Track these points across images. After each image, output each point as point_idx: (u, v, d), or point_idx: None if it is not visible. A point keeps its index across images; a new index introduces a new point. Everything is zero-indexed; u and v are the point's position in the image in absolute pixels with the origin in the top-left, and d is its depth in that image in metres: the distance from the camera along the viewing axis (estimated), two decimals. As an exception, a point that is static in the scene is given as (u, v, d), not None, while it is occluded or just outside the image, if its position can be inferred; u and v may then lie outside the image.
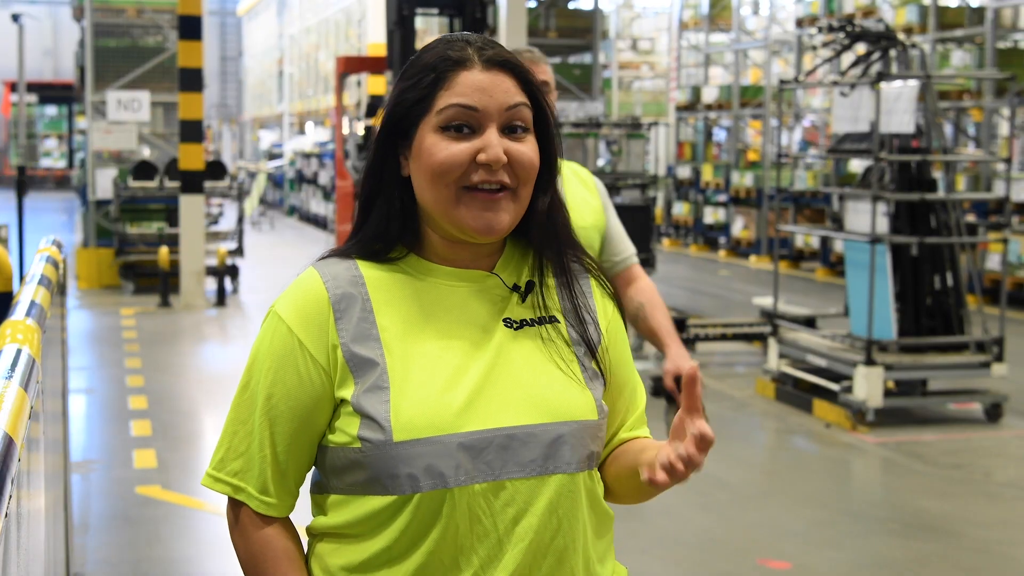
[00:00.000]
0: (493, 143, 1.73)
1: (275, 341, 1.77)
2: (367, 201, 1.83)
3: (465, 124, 1.74)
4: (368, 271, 1.79)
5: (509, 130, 1.76)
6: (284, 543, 1.79)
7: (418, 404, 1.71)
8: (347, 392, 1.73)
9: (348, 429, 1.73)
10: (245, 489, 1.78)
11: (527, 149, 1.76)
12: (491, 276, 1.82)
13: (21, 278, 4.53)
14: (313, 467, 1.82)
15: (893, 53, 8.97)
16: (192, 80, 13.35)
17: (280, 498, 1.79)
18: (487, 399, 1.73)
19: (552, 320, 1.83)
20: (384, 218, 1.80)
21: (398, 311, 1.77)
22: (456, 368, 1.74)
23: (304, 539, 1.84)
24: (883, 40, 8.94)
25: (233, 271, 14.24)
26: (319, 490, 1.81)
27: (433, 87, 1.75)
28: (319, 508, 1.81)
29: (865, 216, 8.43)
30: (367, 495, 1.72)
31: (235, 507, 1.80)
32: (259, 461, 1.77)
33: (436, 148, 1.74)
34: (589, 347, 1.84)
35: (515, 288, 1.83)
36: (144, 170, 14.94)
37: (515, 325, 1.80)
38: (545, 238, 1.84)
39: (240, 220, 15.27)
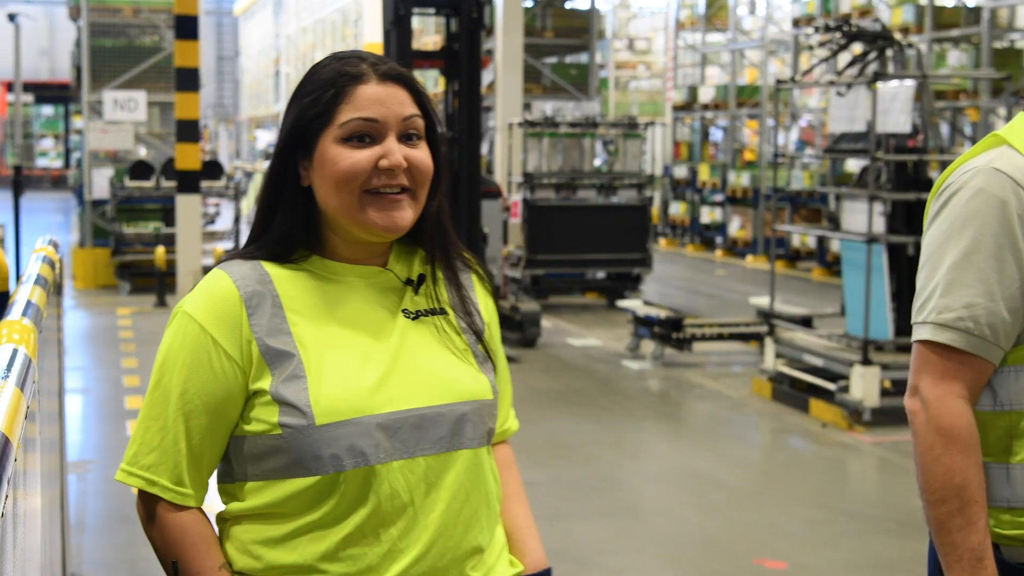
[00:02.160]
0: (393, 150, 1.89)
1: (187, 339, 1.87)
2: (267, 209, 1.95)
3: (367, 134, 1.89)
4: (274, 271, 1.92)
5: (405, 138, 1.92)
6: (200, 528, 1.89)
7: (336, 389, 1.84)
8: (264, 383, 1.85)
9: (267, 418, 1.84)
10: (159, 482, 1.87)
11: (423, 155, 1.93)
12: (386, 271, 1.97)
13: (17, 278, 4.52)
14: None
15: (889, 53, 8.98)
16: (189, 80, 13.34)
17: (195, 489, 1.89)
18: (397, 382, 1.89)
19: (443, 311, 2.00)
20: (287, 224, 1.93)
21: (306, 305, 1.90)
22: (365, 355, 1.89)
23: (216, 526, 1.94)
24: (879, 40, 8.95)
25: (230, 271, 14.20)
26: (229, 479, 1.91)
27: (333, 102, 1.89)
28: (231, 495, 1.91)
29: (862, 216, 8.43)
30: (289, 478, 1.84)
31: (147, 500, 1.89)
32: (173, 454, 1.87)
33: (339, 157, 1.88)
34: (477, 335, 2.01)
35: (408, 282, 1.99)
36: (140, 170, 14.93)
37: (412, 315, 1.96)
38: (436, 237, 2.01)
39: (237, 220, 15.26)
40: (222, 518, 1.92)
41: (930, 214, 2.17)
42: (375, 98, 1.89)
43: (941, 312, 2.09)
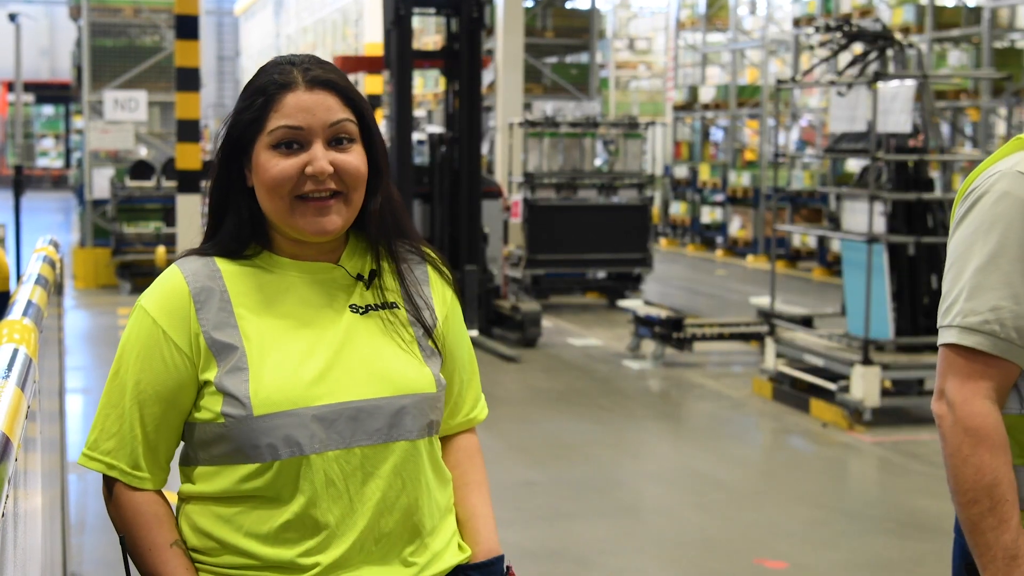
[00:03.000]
0: (318, 156, 1.95)
1: (141, 332, 1.98)
2: (216, 209, 2.04)
3: (294, 141, 1.96)
4: (225, 266, 2.01)
5: (336, 142, 1.98)
6: (154, 508, 1.99)
7: (275, 382, 1.93)
8: (210, 375, 1.95)
9: (212, 407, 1.94)
10: (117, 466, 1.98)
11: (352, 158, 1.98)
12: (337, 268, 2.05)
13: (18, 278, 4.52)
14: (181, 442, 2.03)
15: (890, 53, 8.98)
16: (189, 80, 13.34)
17: (152, 472, 2.00)
18: (336, 376, 1.96)
19: (392, 305, 2.07)
20: (235, 226, 2.01)
21: (254, 301, 1.99)
22: (307, 349, 1.97)
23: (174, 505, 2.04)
24: (880, 40, 8.95)
25: (230, 271, 14.21)
26: (186, 462, 2.02)
27: (263, 109, 1.97)
28: (187, 477, 2.02)
29: (862, 216, 8.43)
30: (232, 464, 1.94)
31: (109, 483, 2.00)
32: (130, 440, 1.98)
33: (268, 165, 1.96)
34: (425, 328, 2.08)
35: (359, 277, 2.05)
36: (141, 170, 14.93)
37: (360, 310, 2.04)
38: (380, 233, 2.07)
39: (237, 220, 15.24)
40: (180, 497, 2.02)
41: (956, 218, 2.18)
42: (301, 106, 1.96)
43: (967, 316, 2.09)
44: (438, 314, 2.12)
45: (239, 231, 2.02)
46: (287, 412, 1.92)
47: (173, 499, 2.06)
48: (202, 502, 1.99)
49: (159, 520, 2.00)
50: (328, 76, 2.00)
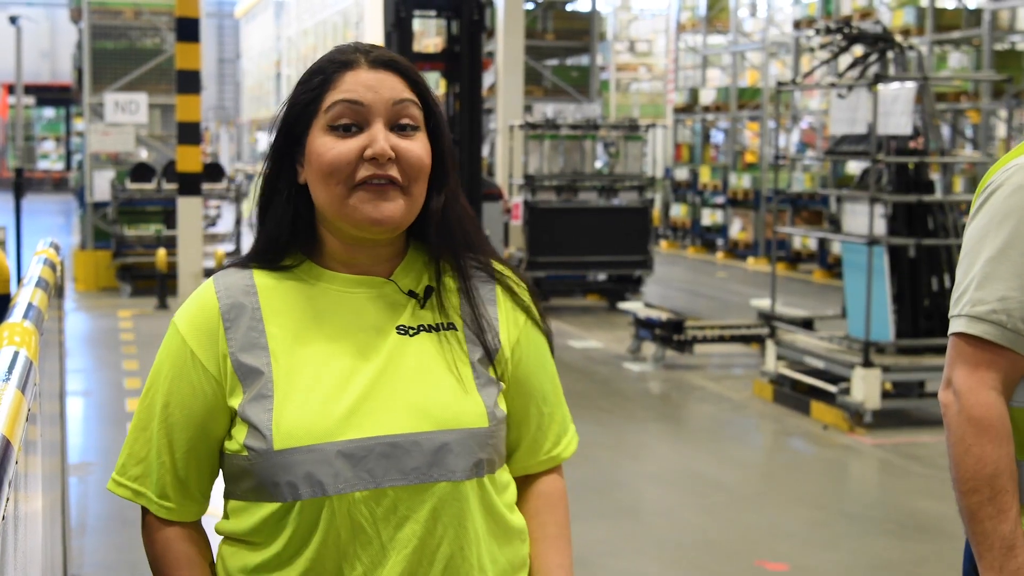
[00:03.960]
0: (378, 138, 1.75)
1: (171, 351, 1.81)
2: (262, 212, 1.85)
3: (353, 123, 1.77)
4: (262, 279, 1.82)
5: (399, 128, 1.78)
6: (184, 547, 1.82)
7: (299, 412, 1.73)
8: (236, 401, 1.77)
9: (238, 437, 1.76)
10: (145, 494, 1.82)
11: (415, 146, 1.78)
12: (388, 283, 1.83)
13: (19, 280, 4.53)
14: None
15: (890, 55, 8.98)
16: (190, 82, 13.34)
17: (180, 503, 1.82)
18: (371, 407, 1.75)
19: (450, 327, 1.83)
20: (275, 226, 1.82)
21: (288, 319, 1.79)
22: (342, 375, 1.76)
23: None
24: (880, 42, 8.95)
25: (231, 273, 14.21)
26: (224, 494, 1.84)
27: (321, 88, 1.78)
28: (224, 512, 1.83)
29: (863, 218, 8.43)
30: (258, 502, 1.76)
31: (144, 511, 1.85)
32: (157, 467, 1.81)
33: (324, 148, 1.76)
34: (485, 353, 1.83)
35: (411, 294, 1.83)
36: (142, 172, 14.94)
37: (410, 331, 1.81)
38: (440, 239, 1.85)
39: (238, 222, 15.27)
40: (218, 533, 1.84)
41: (972, 210, 2.20)
42: (363, 82, 1.77)
43: (975, 305, 2.11)
44: (504, 338, 1.86)
45: (279, 233, 1.82)
46: (309, 447, 1.71)
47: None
48: (235, 543, 1.79)
49: (189, 562, 1.82)
50: (394, 57, 1.81)
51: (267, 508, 1.74)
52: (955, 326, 2.15)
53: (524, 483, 1.91)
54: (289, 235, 1.82)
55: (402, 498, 1.73)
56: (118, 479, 1.84)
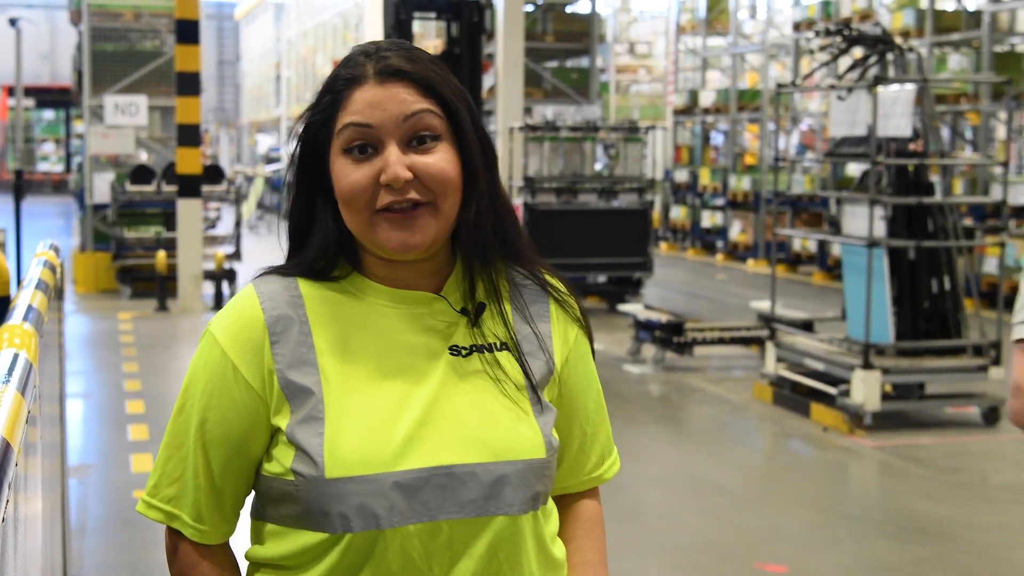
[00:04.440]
0: (391, 161, 1.63)
1: (210, 363, 1.69)
2: (298, 226, 1.75)
3: (366, 143, 1.65)
4: (308, 290, 1.70)
5: (418, 141, 1.66)
6: (218, 572, 1.72)
7: (354, 439, 1.62)
8: (283, 421, 1.65)
9: (283, 460, 1.65)
10: (179, 516, 1.70)
11: (436, 160, 1.65)
12: (438, 299, 1.72)
13: (19, 282, 4.53)
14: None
15: (890, 57, 8.98)
16: (189, 84, 13.35)
17: (214, 525, 1.71)
18: (427, 435, 1.64)
19: (502, 347, 1.73)
20: (323, 245, 1.71)
21: (338, 335, 1.68)
22: (397, 400, 1.65)
23: (243, 564, 1.78)
24: (880, 44, 8.95)
25: (231, 275, 14.23)
26: (256, 516, 1.73)
27: (332, 108, 1.68)
28: (256, 535, 1.73)
29: (863, 220, 8.43)
30: (301, 529, 1.65)
31: (172, 534, 1.73)
32: (193, 488, 1.69)
33: (342, 174, 1.66)
34: (539, 376, 1.74)
35: (463, 312, 1.72)
36: (142, 174, 14.94)
37: (463, 352, 1.71)
38: (475, 253, 1.73)
39: (238, 224, 15.27)
40: (247, 559, 1.74)
41: None
42: (369, 101, 1.65)
43: None
44: (558, 357, 1.77)
45: (327, 248, 1.70)
46: (364, 477, 1.60)
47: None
48: (271, 570, 1.69)
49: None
50: (401, 65, 1.67)
51: (311, 537, 1.64)
52: (1015, 333, 2.19)
53: (561, 504, 1.84)
54: (338, 246, 1.72)
55: (457, 532, 1.63)
56: (150, 500, 1.71)
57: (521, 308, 1.76)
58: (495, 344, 1.73)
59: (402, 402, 1.65)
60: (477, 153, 1.70)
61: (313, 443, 1.62)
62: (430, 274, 1.73)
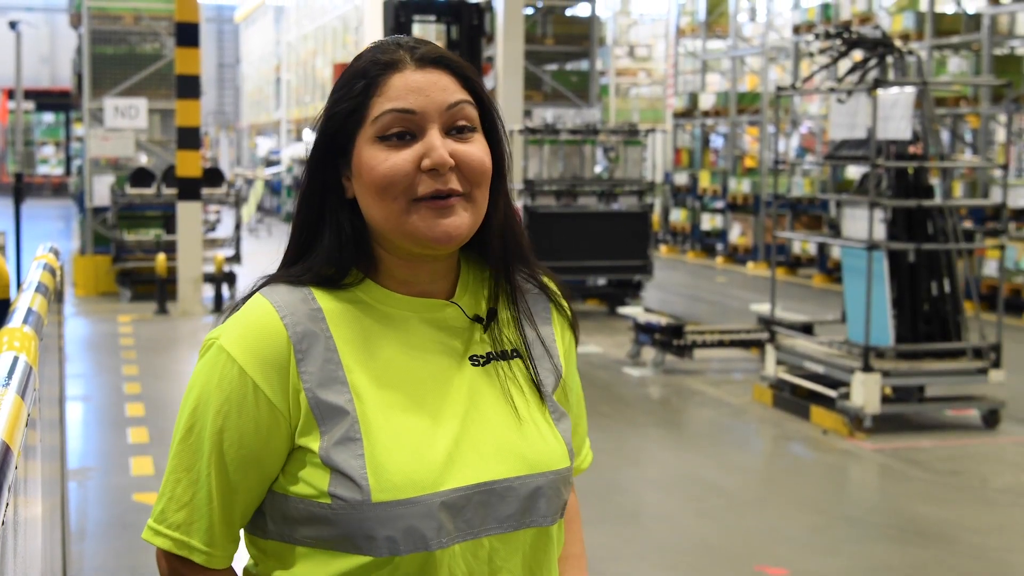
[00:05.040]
0: (436, 145, 1.59)
1: (224, 382, 1.59)
2: (305, 227, 1.67)
3: (405, 130, 1.60)
4: (326, 303, 1.63)
5: (456, 131, 1.62)
6: None
7: (397, 460, 1.57)
8: (312, 442, 1.58)
9: (315, 483, 1.58)
10: (189, 543, 1.62)
11: (476, 150, 1.62)
12: (450, 305, 1.67)
13: (18, 285, 4.52)
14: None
15: (890, 60, 8.98)
16: (189, 87, 13.35)
17: (224, 548, 1.64)
18: (465, 451, 1.61)
19: (514, 354, 1.70)
20: (336, 248, 1.64)
21: (363, 350, 1.62)
22: (431, 415, 1.61)
23: None
24: (880, 47, 8.95)
25: (231, 278, 14.24)
26: (262, 534, 1.66)
27: (365, 94, 1.61)
28: (263, 553, 1.66)
29: (862, 222, 8.43)
30: (340, 551, 1.58)
31: (171, 560, 1.64)
32: (206, 512, 1.61)
33: (376, 160, 1.59)
34: (550, 383, 1.72)
35: (477, 319, 1.68)
36: (141, 177, 14.94)
37: (481, 361, 1.67)
38: (501, 256, 1.70)
39: (237, 227, 15.27)
40: (249, 574, 1.69)
41: None
42: (411, 86, 1.60)
43: None
44: (561, 360, 1.76)
45: (341, 252, 1.64)
46: (412, 500, 1.55)
47: None
48: None
49: None
50: (441, 53, 1.64)
51: (353, 560, 1.57)
52: None
53: None
54: (352, 248, 1.65)
55: (496, 547, 1.61)
56: (156, 527, 1.63)
57: (526, 312, 1.73)
58: (508, 351, 1.70)
59: (436, 418, 1.61)
60: (505, 151, 1.69)
61: (354, 465, 1.56)
62: (441, 277, 1.68)
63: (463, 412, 1.62)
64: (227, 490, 1.61)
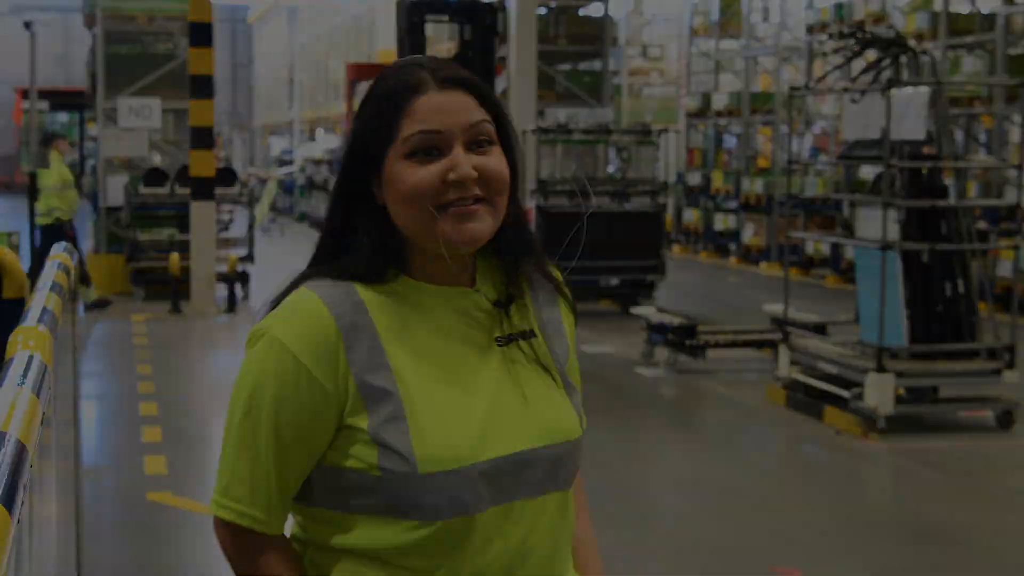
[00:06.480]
0: (461, 162, 1.78)
1: (280, 370, 1.77)
2: (339, 230, 1.85)
3: (432, 147, 1.78)
4: (367, 295, 1.81)
5: (476, 145, 1.80)
6: (287, 553, 1.83)
7: (439, 435, 1.76)
8: (360, 422, 1.76)
9: (365, 457, 1.76)
10: (252, 514, 1.80)
11: (495, 162, 1.81)
12: (474, 292, 1.86)
13: (32, 284, 4.53)
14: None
15: (904, 59, 8.96)
16: (203, 87, 13.39)
17: (280, 517, 1.82)
18: (498, 424, 1.80)
19: (531, 334, 1.90)
20: (372, 250, 1.83)
21: (400, 336, 1.80)
22: (465, 392, 1.80)
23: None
24: (893, 46, 8.93)
25: (244, 277, 14.27)
26: (307, 503, 1.83)
27: (394, 116, 1.79)
28: (311, 519, 1.83)
29: (876, 223, 8.41)
30: (389, 516, 1.77)
31: (232, 530, 1.82)
32: (265, 486, 1.79)
33: (405, 174, 1.78)
34: (564, 358, 1.92)
35: (498, 304, 1.87)
36: (155, 177, 14.98)
37: (503, 342, 1.86)
38: (515, 249, 1.89)
39: (251, 227, 15.30)
40: (298, 540, 1.86)
41: None
42: (436, 108, 1.79)
43: None
44: (569, 339, 1.96)
45: (377, 253, 1.82)
46: (455, 471, 1.74)
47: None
48: (356, 557, 1.80)
49: (291, 562, 1.83)
50: (460, 74, 1.83)
51: (400, 524, 1.76)
52: None
53: None
54: (386, 251, 1.83)
55: (525, 512, 1.80)
56: (221, 500, 1.81)
57: (538, 297, 1.94)
58: (526, 331, 1.89)
59: (470, 394, 1.80)
60: (520, 160, 1.88)
61: (401, 442, 1.74)
62: (464, 269, 1.86)
63: (493, 388, 1.82)
64: (283, 466, 1.79)
